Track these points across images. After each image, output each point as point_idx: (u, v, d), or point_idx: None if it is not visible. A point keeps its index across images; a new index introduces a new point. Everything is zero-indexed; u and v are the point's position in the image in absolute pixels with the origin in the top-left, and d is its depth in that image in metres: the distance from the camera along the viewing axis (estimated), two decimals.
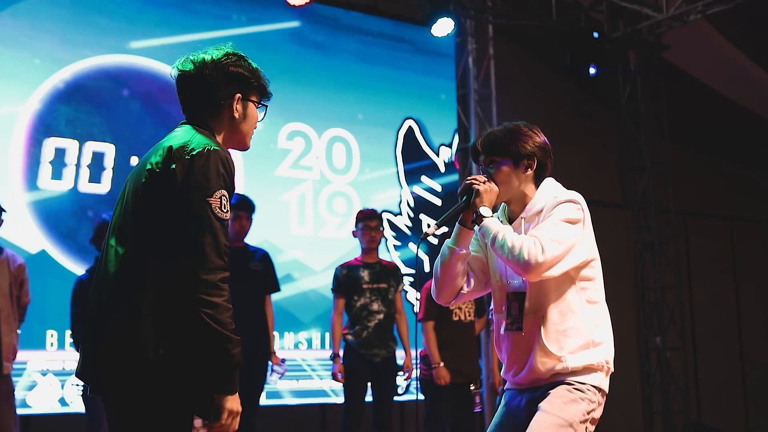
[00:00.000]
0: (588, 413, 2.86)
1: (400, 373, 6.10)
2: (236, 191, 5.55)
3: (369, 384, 5.94)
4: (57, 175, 6.66)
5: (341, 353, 5.94)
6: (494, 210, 2.98)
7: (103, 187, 6.80)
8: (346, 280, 5.95)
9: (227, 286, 2.34)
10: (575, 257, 2.81)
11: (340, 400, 6.19)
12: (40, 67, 6.69)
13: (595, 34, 9.19)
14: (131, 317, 2.32)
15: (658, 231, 9.62)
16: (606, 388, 2.93)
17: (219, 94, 2.54)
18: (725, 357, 11.28)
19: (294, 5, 7.61)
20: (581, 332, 2.86)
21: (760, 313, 11.72)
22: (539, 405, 2.82)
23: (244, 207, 5.69)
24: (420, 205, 8.55)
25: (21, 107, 6.57)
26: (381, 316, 5.91)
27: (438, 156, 8.77)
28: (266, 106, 2.69)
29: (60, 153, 6.70)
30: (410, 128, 8.56)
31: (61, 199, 6.66)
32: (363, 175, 8.20)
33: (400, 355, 6.16)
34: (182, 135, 2.47)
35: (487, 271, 3.03)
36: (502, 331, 2.95)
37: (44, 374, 6.42)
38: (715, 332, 11.17)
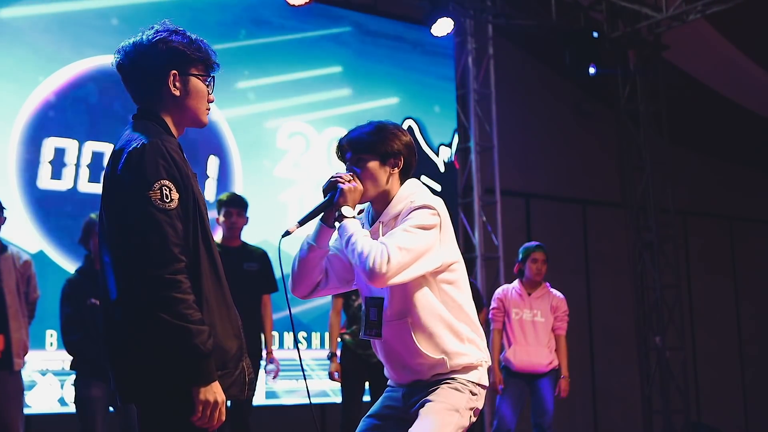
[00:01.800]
0: (471, 403, 2.86)
1: None
2: (233, 191, 5.57)
3: (367, 384, 5.93)
4: (57, 175, 6.66)
5: (338, 353, 5.93)
6: (361, 210, 2.99)
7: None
8: None
9: (184, 277, 2.28)
10: (427, 264, 2.79)
11: (338, 399, 6.18)
12: (39, 66, 6.68)
13: (595, 34, 9.18)
14: (122, 331, 2.35)
15: (658, 230, 9.61)
16: (486, 382, 2.94)
17: (153, 75, 2.47)
18: (725, 356, 11.28)
19: (293, 5, 7.61)
20: (452, 332, 2.85)
21: (759, 313, 11.72)
22: (426, 398, 2.83)
23: (234, 204, 5.62)
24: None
25: (20, 107, 6.56)
26: None
27: (438, 155, 8.76)
28: (212, 77, 2.56)
29: (59, 153, 6.69)
30: (410, 128, 8.55)
31: (60, 199, 6.65)
32: None
33: None
34: (125, 134, 2.44)
35: (349, 269, 2.99)
36: (361, 333, 2.98)
37: (44, 374, 6.42)
38: (715, 332, 11.17)
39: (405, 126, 8.50)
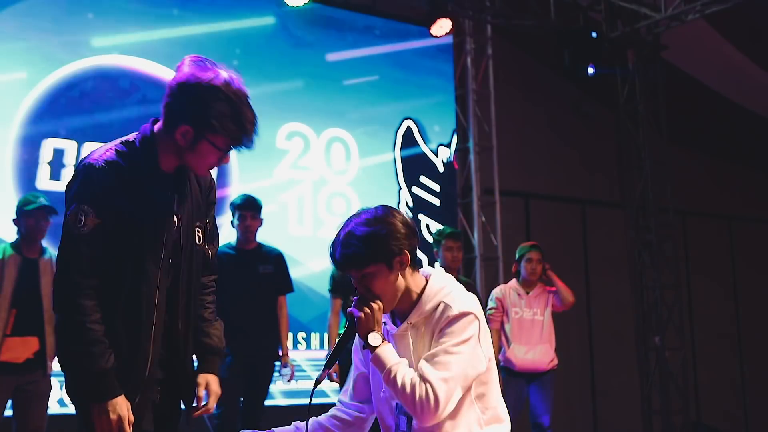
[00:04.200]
0: None
1: None
2: (244, 193, 5.56)
3: None
4: (55, 176, 6.63)
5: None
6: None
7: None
8: (342, 280, 5.89)
9: (85, 297, 2.31)
10: (470, 378, 2.58)
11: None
12: (37, 66, 6.65)
13: (594, 34, 9.16)
14: None
15: (657, 230, 9.59)
16: None
17: (176, 113, 2.40)
18: (724, 356, 11.26)
19: (292, 5, 7.59)
20: None
21: (758, 312, 11.70)
22: None
23: (247, 207, 5.61)
24: (419, 205, 8.52)
25: (18, 107, 6.54)
26: None
27: (437, 156, 8.74)
28: (222, 149, 2.45)
29: (58, 154, 6.67)
30: (409, 128, 8.53)
31: (59, 200, 6.61)
32: (362, 176, 8.17)
33: None
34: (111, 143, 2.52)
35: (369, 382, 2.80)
36: None
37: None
38: (714, 331, 11.15)
39: (404, 127, 8.48)
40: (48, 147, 6.64)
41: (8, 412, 5.12)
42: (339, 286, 5.92)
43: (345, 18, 8.38)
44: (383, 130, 8.38)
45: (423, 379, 2.49)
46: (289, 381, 5.76)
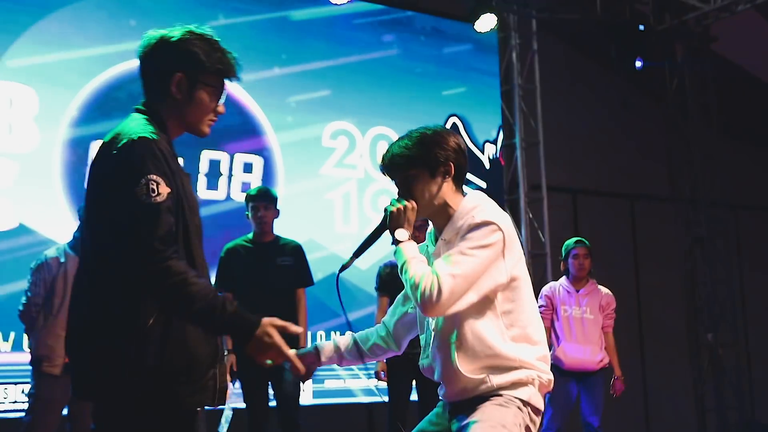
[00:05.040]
0: (519, 419, 2.63)
1: None
2: (264, 185, 5.52)
3: (414, 382, 5.84)
4: None
5: None
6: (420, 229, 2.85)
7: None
8: (389, 278, 5.81)
9: (174, 261, 2.18)
10: (484, 287, 2.59)
11: (385, 398, 6.11)
12: (84, 69, 6.68)
13: (641, 27, 9.05)
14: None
15: (708, 225, 9.43)
16: (539, 404, 2.70)
17: (162, 72, 2.39)
18: None
19: (336, 3, 7.55)
20: (500, 355, 2.65)
21: None
22: (470, 420, 2.63)
23: (259, 198, 5.50)
24: None
25: (66, 110, 6.59)
26: None
27: (483, 153, 8.66)
28: (220, 89, 2.44)
29: None
30: (454, 125, 8.45)
31: None
32: None
33: None
34: (119, 126, 2.37)
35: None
36: (422, 356, 2.84)
37: None
38: None
39: (449, 124, 8.41)
40: (96, 149, 6.66)
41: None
42: (386, 284, 5.85)
43: (388, 15, 8.33)
44: None
45: (432, 272, 2.56)
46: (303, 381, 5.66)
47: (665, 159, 9.76)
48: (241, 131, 7.31)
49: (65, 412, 5.00)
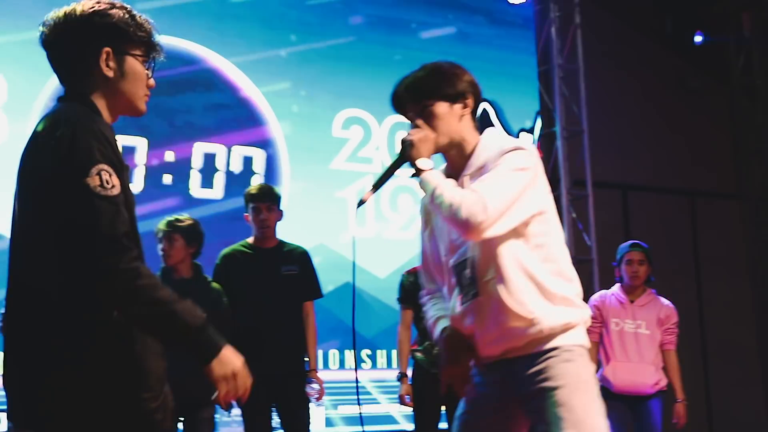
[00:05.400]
0: (592, 370, 2.91)
1: None
2: (268, 183, 5.53)
3: (443, 408, 5.85)
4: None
5: (409, 373, 5.86)
6: None
7: (135, 185, 6.84)
8: (413, 288, 5.79)
9: (140, 263, 2.23)
10: (522, 211, 2.80)
11: (410, 426, 6.13)
12: None
13: None
14: None
15: None
16: (587, 342, 2.95)
17: (84, 51, 2.40)
18: None
19: None
20: (541, 291, 2.85)
21: None
22: (543, 386, 2.80)
23: (261, 197, 5.50)
24: None
25: (39, 95, 6.63)
26: None
27: None
28: (153, 60, 2.51)
29: (128, 150, 6.73)
30: (485, 111, 8.45)
31: None
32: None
33: None
34: (48, 117, 2.37)
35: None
36: (458, 307, 2.94)
37: None
38: None
39: (479, 110, 8.40)
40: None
41: None
42: (409, 294, 5.84)
43: None
44: None
45: (472, 190, 2.75)
46: (317, 401, 5.66)
47: (731, 150, 9.74)
48: (240, 120, 7.34)
49: None
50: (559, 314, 2.85)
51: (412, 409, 5.87)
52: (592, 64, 9.01)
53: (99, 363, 2.25)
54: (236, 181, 7.20)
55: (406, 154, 2.87)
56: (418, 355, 5.85)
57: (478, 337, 2.91)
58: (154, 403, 2.33)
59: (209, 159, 7.14)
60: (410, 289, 5.85)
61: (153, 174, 6.91)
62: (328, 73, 7.76)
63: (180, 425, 5.24)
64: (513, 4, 8.36)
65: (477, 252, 2.85)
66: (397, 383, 5.97)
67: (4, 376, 2.36)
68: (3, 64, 6.55)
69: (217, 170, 7.16)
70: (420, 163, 2.85)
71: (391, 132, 7.98)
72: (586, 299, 6.36)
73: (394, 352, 7.49)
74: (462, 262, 2.90)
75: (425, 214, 3.08)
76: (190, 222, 5.32)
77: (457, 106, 2.92)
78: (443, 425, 5.88)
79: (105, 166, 2.23)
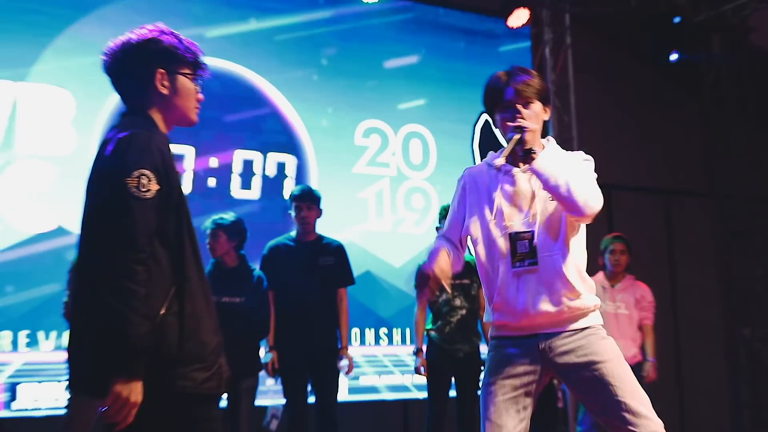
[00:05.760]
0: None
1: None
2: (307, 185, 5.56)
3: (452, 379, 5.86)
4: None
5: (424, 348, 5.87)
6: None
7: (184, 188, 6.88)
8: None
9: (141, 268, 2.22)
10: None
11: (422, 395, 6.13)
12: None
13: (676, 19, 8.95)
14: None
15: (746, 220, 9.34)
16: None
17: (141, 73, 2.48)
18: None
19: (367, 1, 7.53)
20: (582, 275, 3.03)
21: None
22: (586, 360, 2.93)
23: (302, 198, 5.55)
24: None
25: (101, 111, 6.65)
26: (464, 311, 5.80)
27: None
28: (201, 77, 2.57)
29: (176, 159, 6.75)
30: (487, 122, 8.41)
31: None
32: (440, 171, 8.10)
33: (484, 350, 6.04)
34: (115, 127, 2.44)
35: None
36: (507, 271, 3.00)
37: None
38: None
39: (481, 121, 8.39)
40: None
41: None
42: None
43: (418, 13, 8.30)
44: (461, 125, 8.29)
45: (585, 183, 2.92)
46: (347, 374, 5.68)
47: (702, 153, 9.68)
48: (275, 131, 7.34)
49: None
50: (591, 297, 3.01)
51: (426, 379, 5.86)
52: (580, 79, 8.94)
53: (167, 341, 2.28)
54: (271, 184, 7.22)
55: (522, 140, 2.94)
56: (433, 333, 5.85)
57: (518, 306, 2.97)
58: (207, 373, 2.33)
59: (248, 164, 7.14)
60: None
61: (199, 178, 6.93)
62: (351, 89, 7.75)
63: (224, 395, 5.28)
64: (512, 28, 8.29)
65: (543, 230, 2.98)
66: (412, 357, 5.98)
67: (69, 351, 2.41)
68: (71, 83, 6.56)
69: (254, 174, 7.16)
70: (534, 148, 2.95)
71: (405, 140, 7.97)
72: None
73: (407, 331, 7.52)
74: (523, 233, 2.99)
75: (471, 186, 3.13)
76: (231, 219, 5.36)
77: (546, 108, 3.11)
78: (452, 393, 5.89)
79: (147, 172, 2.27)
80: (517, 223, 3.00)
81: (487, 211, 3.05)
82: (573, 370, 2.95)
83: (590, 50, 9.30)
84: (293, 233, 5.63)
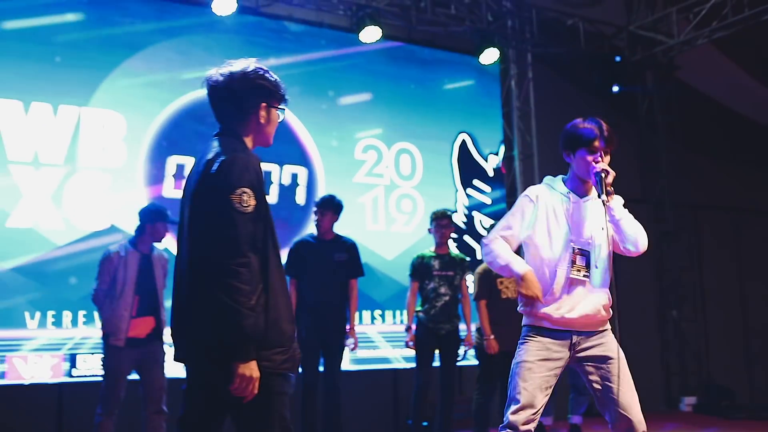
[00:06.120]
0: None
1: (462, 344, 5.98)
2: (329, 195, 5.56)
3: (436, 352, 5.85)
4: (178, 185, 6.71)
5: (413, 326, 5.87)
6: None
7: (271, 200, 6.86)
8: (420, 267, 5.88)
9: (246, 270, 2.23)
10: None
11: (410, 365, 6.12)
12: (160, 97, 6.73)
13: (617, 58, 8.98)
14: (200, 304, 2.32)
15: (674, 222, 9.37)
16: None
17: (247, 104, 2.44)
18: (731, 327, 10.91)
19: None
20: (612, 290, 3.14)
21: (761, 291, 11.32)
22: (603, 354, 3.04)
23: (324, 205, 5.58)
24: (473, 205, 8.42)
25: (147, 130, 6.63)
26: (447, 297, 5.81)
27: (487, 162, 8.63)
28: (284, 110, 2.54)
29: (180, 167, 6.74)
30: (464, 140, 8.43)
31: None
32: (426, 180, 8.09)
33: (463, 329, 6.03)
34: (215, 147, 2.40)
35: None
36: (564, 277, 3.04)
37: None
38: (723, 306, 10.80)
39: (460, 139, 8.39)
40: (172, 162, 6.72)
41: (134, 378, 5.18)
42: (417, 271, 5.89)
43: (407, 52, 8.30)
44: (443, 143, 8.29)
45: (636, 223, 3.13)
46: (353, 350, 5.66)
47: (638, 168, 9.70)
48: (290, 149, 7.32)
49: (137, 377, 5.01)
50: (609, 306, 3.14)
51: (414, 351, 5.86)
52: (540, 107, 8.96)
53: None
54: (286, 191, 7.20)
55: (606, 182, 3.07)
56: (421, 314, 5.85)
57: (563, 303, 3.04)
58: (284, 356, 2.33)
59: (266, 175, 7.12)
60: (418, 267, 5.89)
61: None
62: (351, 114, 7.74)
63: None
64: (485, 64, 8.30)
65: (600, 251, 3.09)
66: (403, 334, 5.97)
67: (179, 329, 2.42)
68: (123, 107, 6.54)
69: (272, 183, 7.16)
70: (612, 189, 3.10)
71: (396, 155, 7.95)
72: None
73: (398, 313, 7.51)
74: (584, 250, 3.07)
75: (541, 203, 3.17)
76: None
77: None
78: (436, 363, 5.88)
79: (247, 190, 2.27)
80: (579, 241, 3.07)
81: (555, 226, 3.09)
82: (590, 360, 3.06)
83: (548, 83, 9.31)
84: (315, 232, 5.64)
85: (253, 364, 2.24)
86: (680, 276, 9.46)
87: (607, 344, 3.06)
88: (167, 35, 6.84)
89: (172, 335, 2.45)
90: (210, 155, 2.37)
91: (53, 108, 6.28)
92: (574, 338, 3.03)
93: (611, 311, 3.11)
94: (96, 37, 6.52)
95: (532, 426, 2.98)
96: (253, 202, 2.27)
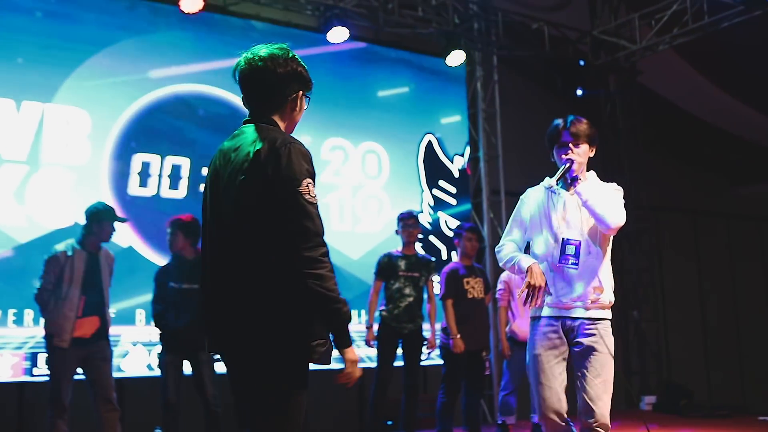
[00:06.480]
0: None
1: (426, 343, 6.00)
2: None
3: (398, 351, 5.87)
4: (143, 183, 6.66)
5: (375, 326, 5.88)
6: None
7: (180, 193, 6.80)
8: (386, 266, 5.88)
9: (328, 259, 2.24)
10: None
11: (374, 364, 6.11)
12: (126, 95, 6.68)
13: (581, 62, 9.08)
14: (253, 295, 2.25)
15: (634, 224, 9.49)
16: None
17: (288, 89, 2.38)
18: (690, 327, 11.11)
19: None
20: (609, 277, 3.25)
21: (719, 289, 11.54)
22: (591, 344, 3.14)
23: None
24: (438, 205, 8.46)
25: (111, 128, 6.57)
26: (411, 299, 5.84)
27: (452, 163, 8.68)
28: (310, 99, 2.50)
29: (145, 166, 6.69)
30: (430, 141, 8.47)
31: (146, 203, 6.65)
32: (392, 181, 8.12)
33: (426, 329, 6.06)
34: (258, 134, 2.30)
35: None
36: (555, 266, 3.22)
37: (134, 344, 6.42)
38: (682, 307, 11.00)
39: (426, 140, 8.43)
40: (137, 160, 6.66)
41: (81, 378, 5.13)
42: (383, 270, 5.89)
43: (378, 51, 8.33)
44: (409, 143, 8.33)
45: (612, 202, 3.20)
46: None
47: (600, 169, 9.78)
48: None
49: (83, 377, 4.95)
50: (611, 294, 3.25)
51: (376, 350, 5.86)
52: (505, 108, 9.03)
53: (287, 316, 2.24)
54: None
55: (569, 168, 3.26)
56: (384, 313, 5.86)
57: (561, 291, 3.22)
58: (323, 347, 2.31)
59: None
60: (384, 266, 5.89)
61: (194, 184, 6.86)
62: (319, 114, 7.73)
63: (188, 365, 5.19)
64: (451, 66, 8.34)
65: (588, 239, 3.21)
66: (364, 331, 5.99)
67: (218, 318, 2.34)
68: (87, 104, 6.47)
69: None
70: (579, 176, 3.28)
71: (363, 155, 7.97)
72: (497, 278, 6.42)
73: (362, 312, 7.51)
74: (571, 240, 3.21)
75: (531, 202, 3.37)
76: (187, 220, 5.27)
77: (592, 150, 3.36)
78: (398, 363, 5.90)
79: (310, 180, 2.25)
80: (566, 231, 3.23)
81: (544, 221, 3.29)
82: (581, 346, 3.17)
83: (513, 85, 9.40)
84: None
85: (354, 349, 2.31)
86: (640, 277, 9.59)
87: (597, 336, 3.16)
88: (133, 33, 6.78)
89: (209, 325, 2.35)
90: (255, 143, 2.27)
91: (16, 104, 6.20)
92: (568, 323, 3.20)
93: (610, 295, 3.22)
94: (60, 33, 6.44)
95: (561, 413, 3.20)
96: (314, 190, 2.26)
